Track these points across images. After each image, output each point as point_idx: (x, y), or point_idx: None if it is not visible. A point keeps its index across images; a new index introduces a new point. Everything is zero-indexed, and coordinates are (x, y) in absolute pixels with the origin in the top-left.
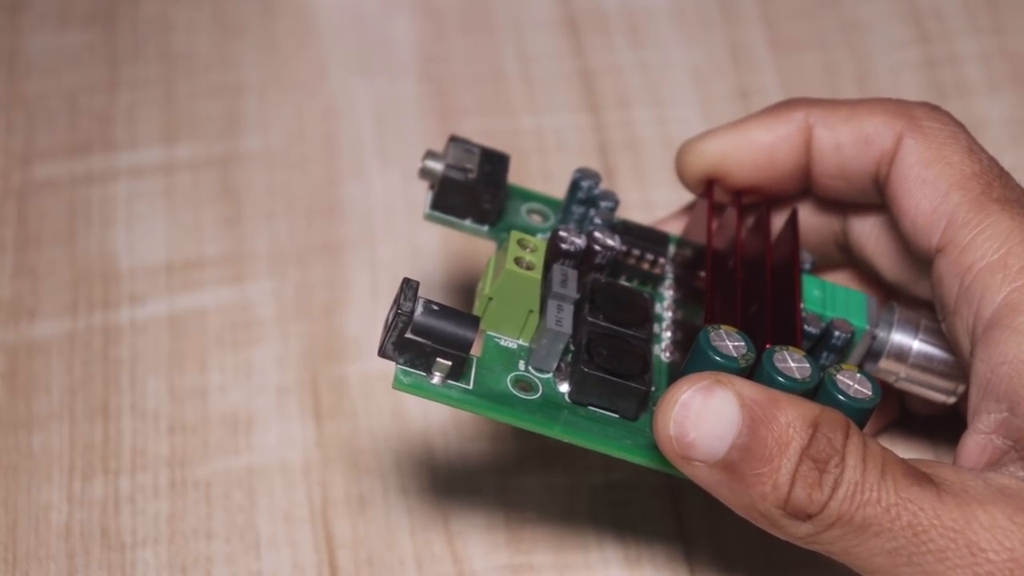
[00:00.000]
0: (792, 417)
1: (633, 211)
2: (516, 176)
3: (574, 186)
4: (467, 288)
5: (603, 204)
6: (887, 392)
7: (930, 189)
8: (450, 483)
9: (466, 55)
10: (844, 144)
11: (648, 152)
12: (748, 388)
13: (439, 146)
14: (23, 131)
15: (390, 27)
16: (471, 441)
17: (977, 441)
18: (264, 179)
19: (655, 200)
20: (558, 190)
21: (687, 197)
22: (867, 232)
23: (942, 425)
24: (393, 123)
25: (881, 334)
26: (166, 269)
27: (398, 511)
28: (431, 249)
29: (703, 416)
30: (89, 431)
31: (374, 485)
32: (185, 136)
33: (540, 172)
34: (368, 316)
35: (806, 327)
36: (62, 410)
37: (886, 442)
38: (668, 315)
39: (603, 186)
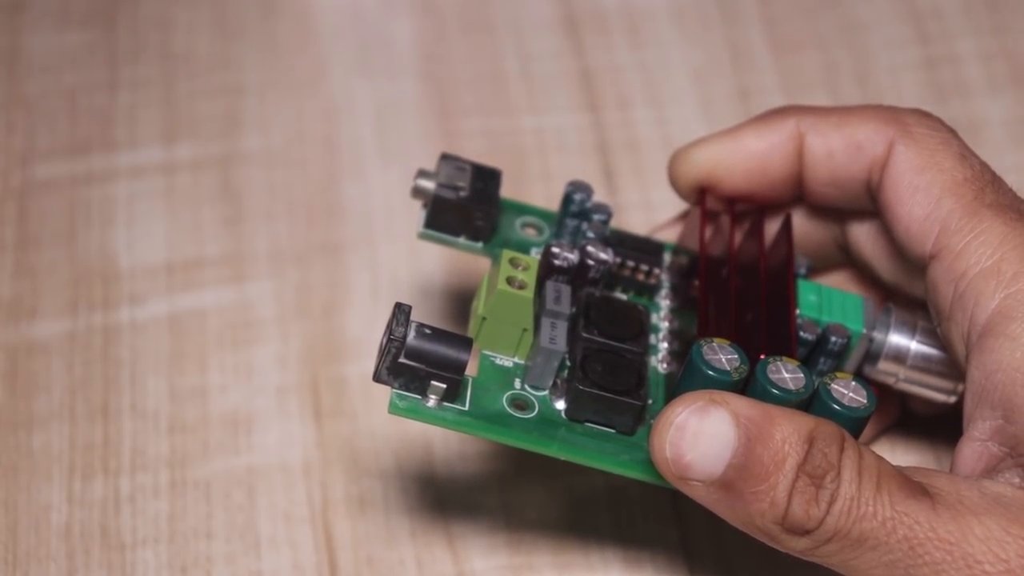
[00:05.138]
0: (787, 432)
1: (633, 211)
2: (516, 176)
3: (566, 199)
4: (467, 289)
5: (596, 217)
6: (887, 393)
7: (922, 195)
8: (450, 484)
9: (466, 55)
10: (836, 151)
11: (648, 152)
12: (743, 406)
13: (439, 146)
14: (23, 131)
15: (390, 27)
16: (471, 442)
17: (973, 448)
18: (264, 179)
19: (655, 200)
20: (558, 190)
21: None
22: (863, 235)
23: (942, 426)
24: (393, 123)
25: (878, 336)
26: (166, 269)
27: (398, 511)
28: (431, 249)
29: (699, 437)
30: (89, 431)
31: (374, 485)
32: (185, 136)
33: (540, 172)
34: (368, 316)
35: (802, 333)
36: (62, 410)
37: (887, 444)
38: (665, 325)
39: (600, 195)
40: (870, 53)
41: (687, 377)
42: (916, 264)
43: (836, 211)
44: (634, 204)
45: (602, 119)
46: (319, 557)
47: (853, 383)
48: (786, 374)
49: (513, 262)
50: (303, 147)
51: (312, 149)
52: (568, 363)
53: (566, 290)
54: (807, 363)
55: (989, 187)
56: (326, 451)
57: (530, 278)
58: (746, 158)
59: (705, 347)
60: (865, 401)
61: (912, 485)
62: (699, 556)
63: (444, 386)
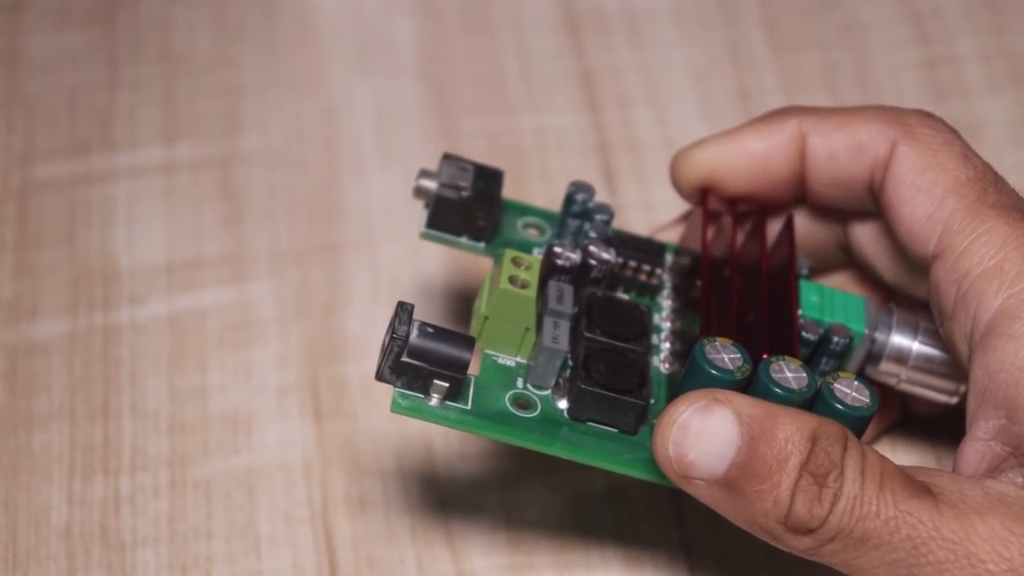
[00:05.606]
0: (790, 432)
1: (633, 211)
2: (516, 176)
3: (568, 200)
4: (467, 289)
5: (598, 217)
6: (889, 393)
7: (925, 196)
8: (450, 483)
9: (466, 55)
10: (838, 152)
11: (648, 152)
12: (746, 404)
13: (439, 146)
14: (23, 131)
15: (390, 27)
16: (471, 441)
17: (976, 448)
18: (264, 179)
19: (655, 200)
20: (558, 190)
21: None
22: (865, 236)
23: (944, 427)
24: (393, 123)
25: (880, 337)
26: (166, 269)
27: (398, 511)
28: (432, 249)
29: (702, 436)
30: (89, 431)
31: (374, 485)
32: (185, 136)
33: (540, 172)
34: (368, 316)
35: (804, 334)
36: (62, 410)
37: (888, 444)
38: (667, 326)
39: (600, 195)
40: (870, 53)
41: (690, 376)
42: (918, 264)
43: (838, 212)
44: (634, 204)
45: (602, 119)
46: (319, 557)
47: (856, 383)
48: (789, 373)
49: (516, 261)
50: (303, 147)
51: (312, 149)
52: (570, 363)
53: (568, 290)
54: (809, 363)
55: (992, 187)
56: (326, 451)
57: (532, 277)
58: (747, 159)
59: (708, 346)
60: (868, 401)
61: (915, 484)
62: (700, 556)
63: (447, 385)
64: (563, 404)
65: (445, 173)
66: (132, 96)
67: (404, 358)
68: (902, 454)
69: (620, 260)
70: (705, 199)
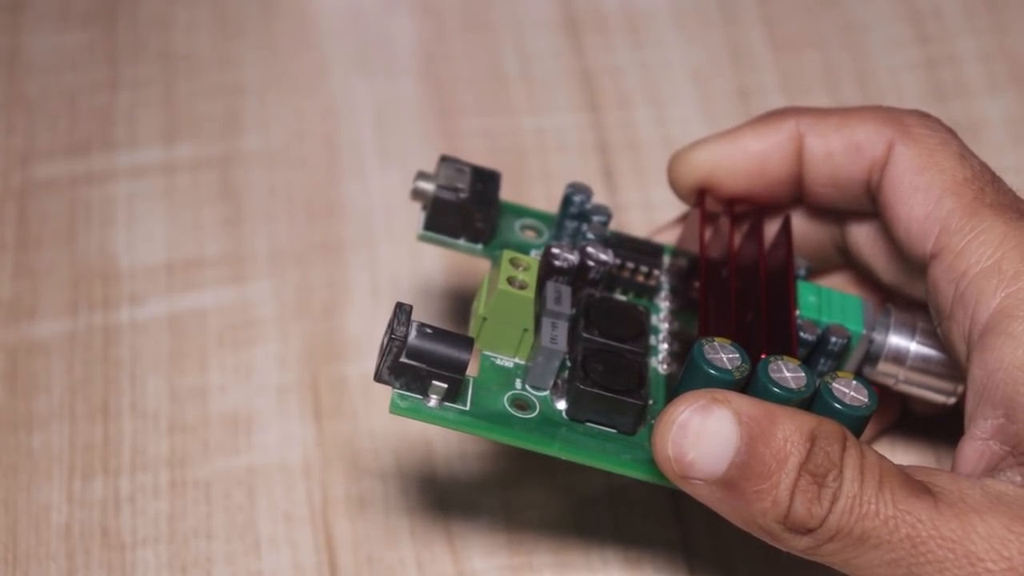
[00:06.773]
0: (789, 431)
1: (633, 211)
2: (516, 176)
3: (566, 201)
4: (467, 289)
5: (595, 218)
6: (888, 393)
7: (922, 195)
8: (450, 483)
9: (466, 55)
10: (835, 152)
11: (648, 152)
12: (745, 404)
13: (439, 146)
14: (23, 131)
15: (390, 27)
16: (472, 441)
17: (975, 447)
18: (264, 179)
19: (655, 200)
20: (558, 190)
21: None
22: (862, 236)
23: (943, 426)
24: (393, 123)
25: (878, 337)
26: (166, 269)
27: (398, 511)
28: (431, 249)
29: (701, 436)
30: (89, 431)
31: (374, 485)
32: (185, 136)
33: (540, 172)
34: (368, 316)
35: (802, 334)
36: (62, 410)
37: (887, 444)
38: (664, 326)
39: (600, 195)
40: (870, 53)
41: (688, 376)
42: (916, 264)
43: (835, 212)
44: (634, 204)
45: (602, 119)
46: (319, 557)
47: (854, 382)
48: (787, 373)
49: (514, 262)
50: (303, 147)
51: (312, 149)
52: (569, 363)
53: (566, 291)
54: (807, 364)
55: (989, 187)
56: (326, 451)
57: (531, 278)
58: (745, 159)
59: (706, 346)
60: (867, 400)
61: (914, 484)
62: (699, 556)
63: (445, 386)
64: (562, 405)
65: (442, 175)
66: (132, 96)
67: (403, 359)
68: (901, 454)
69: (618, 261)
70: (702, 200)
